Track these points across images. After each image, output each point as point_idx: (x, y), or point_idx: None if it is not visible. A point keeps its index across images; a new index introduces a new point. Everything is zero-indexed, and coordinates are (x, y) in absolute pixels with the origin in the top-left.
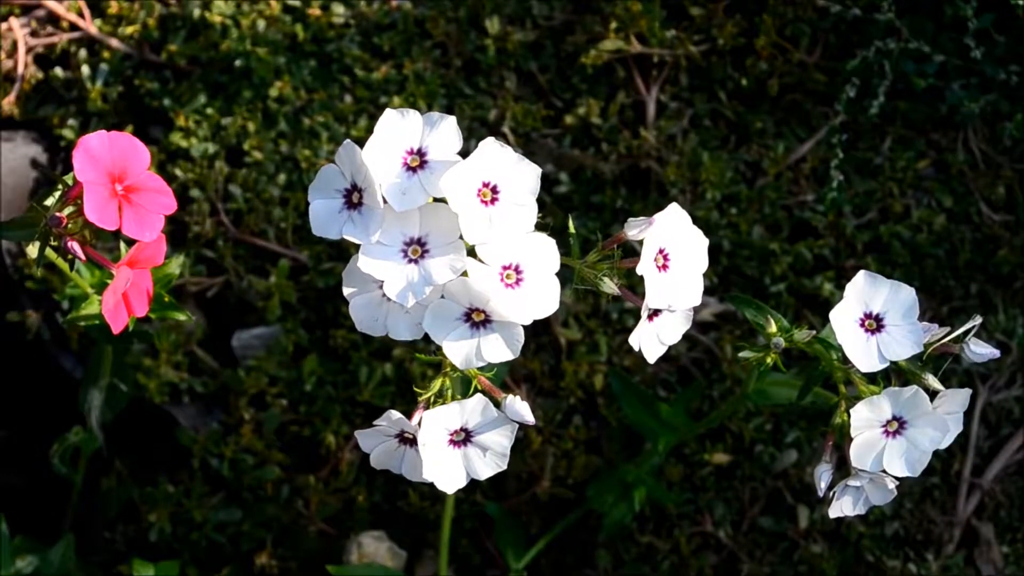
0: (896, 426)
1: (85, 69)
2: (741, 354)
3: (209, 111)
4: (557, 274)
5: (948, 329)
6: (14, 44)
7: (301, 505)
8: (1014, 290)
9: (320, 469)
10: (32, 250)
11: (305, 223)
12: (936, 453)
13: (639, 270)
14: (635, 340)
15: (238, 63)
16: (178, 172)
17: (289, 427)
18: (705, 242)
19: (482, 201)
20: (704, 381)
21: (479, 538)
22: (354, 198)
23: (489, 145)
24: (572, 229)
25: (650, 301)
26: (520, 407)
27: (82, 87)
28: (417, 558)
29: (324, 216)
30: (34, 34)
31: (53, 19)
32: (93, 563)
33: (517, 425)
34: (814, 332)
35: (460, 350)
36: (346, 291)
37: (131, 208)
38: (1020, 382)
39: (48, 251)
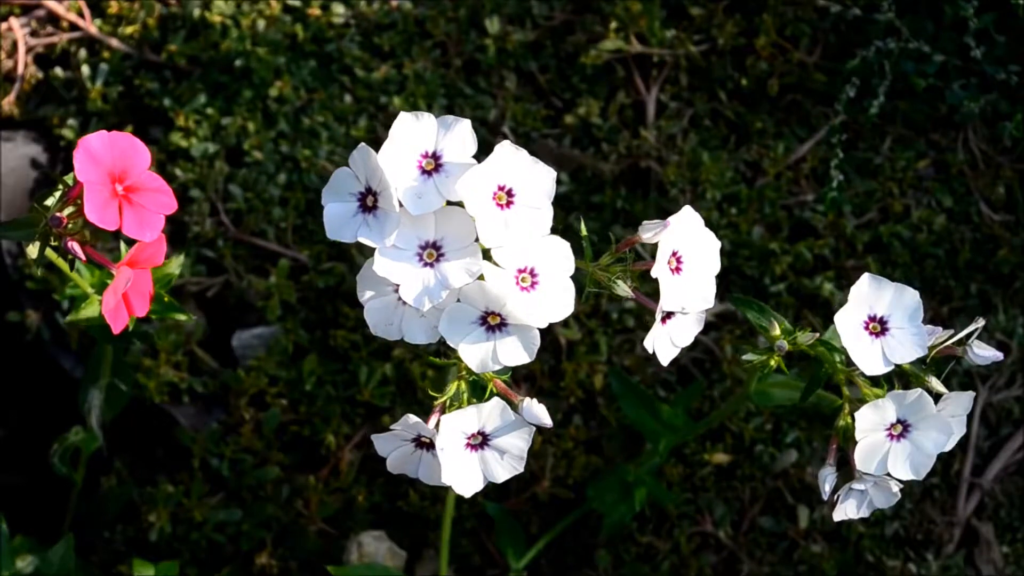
0: (900, 429)
1: (85, 69)
2: (744, 356)
3: (209, 111)
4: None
5: (951, 332)
6: (14, 44)
7: (301, 505)
8: (1014, 290)
9: (320, 469)
10: (32, 250)
11: (305, 223)
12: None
13: (653, 273)
14: (649, 342)
15: (238, 63)
16: (178, 172)
17: (289, 427)
18: (717, 244)
19: (498, 204)
20: (704, 381)
21: (479, 538)
22: (369, 201)
23: (504, 148)
24: (584, 232)
25: (664, 303)
26: (537, 410)
27: (82, 87)
28: (417, 558)
29: (338, 220)
30: (34, 34)
31: (53, 19)
32: (93, 563)
33: (534, 428)
34: (817, 335)
35: (476, 353)
36: (362, 296)
37: (131, 208)
38: (1020, 382)
39: (48, 251)
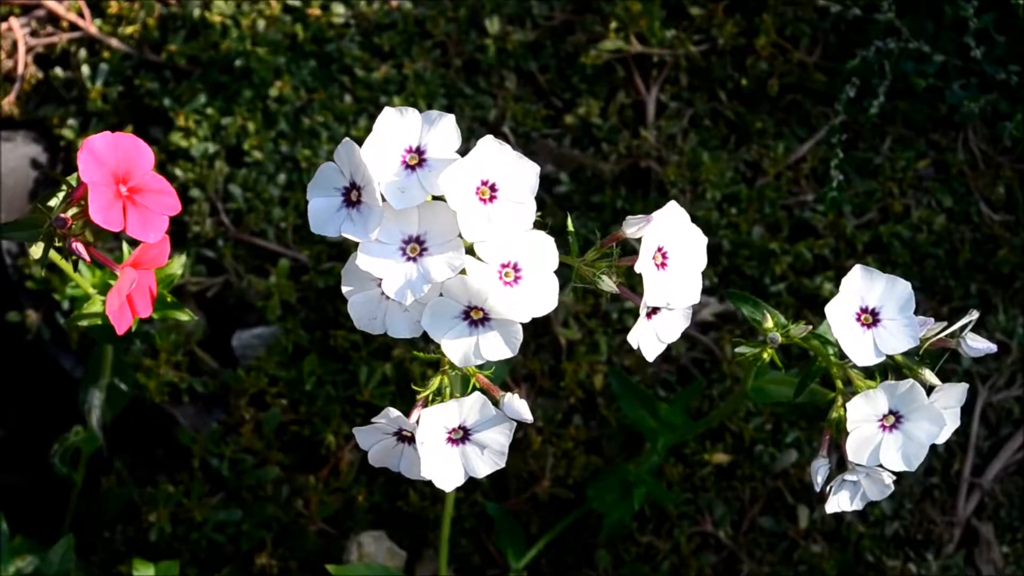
0: (892, 420)
1: (85, 69)
2: (738, 349)
3: (209, 111)
4: (557, 273)
5: (944, 324)
6: (14, 44)
7: (301, 505)
8: (1014, 290)
9: (320, 469)
10: (36, 251)
11: (305, 223)
12: (936, 452)
13: (637, 268)
14: (634, 338)
15: (238, 63)
16: (178, 172)
17: (289, 427)
18: (704, 240)
19: (481, 199)
20: (704, 381)
21: (479, 538)
22: (353, 196)
23: (487, 143)
24: (571, 227)
25: (648, 299)
26: (518, 405)
27: (82, 87)
28: (417, 558)
29: (323, 214)
30: (34, 34)
31: (53, 19)
32: (93, 563)
33: (515, 423)
34: (810, 327)
35: (459, 348)
36: (345, 289)
37: (135, 209)
38: (1020, 382)
39: (50, 251)
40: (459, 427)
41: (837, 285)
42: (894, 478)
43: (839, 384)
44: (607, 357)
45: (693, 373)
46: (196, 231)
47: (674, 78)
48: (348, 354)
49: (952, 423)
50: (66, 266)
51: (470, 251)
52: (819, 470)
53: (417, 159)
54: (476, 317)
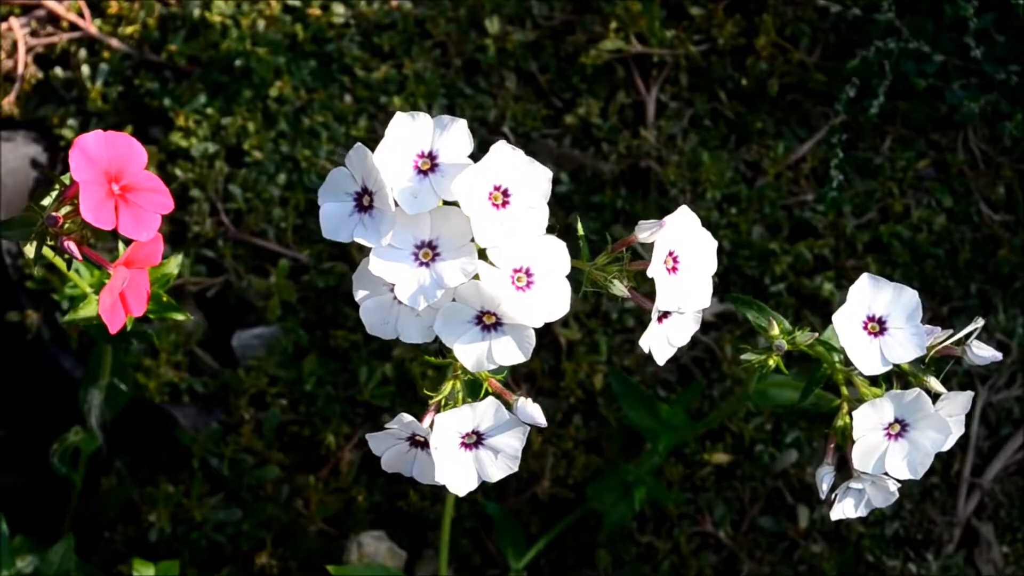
0: (898, 428)
1: (85, 69)
2: (743, 356)
3: (209, 111)
4: (567, 276)
5: (951, 332)
6: (14, 44)
7: (301, 505)
8: (1014, 290)
9: (320, 469)
10: (29, 250)
11: (305, 223)
12: (936, 454)
13: (649, 273)
14: (645, 342)
15: (238, 63)
16: (178, 172)
17: (289, 427)
18: (714, 244)
19: (493, 204)
20: (704, 381)
21: (479, 538)
22: (365, 201)
23: (500, 148)
24: (581, 232)
25: (660, 303)
26: (532, 409)
27: (82, 87)
28: (417, 558)
29: (335, 219)
30: (34, 34)
31: (53, 19)
32: (93, 563)
33: (528, 427)
34: (816, 335)
35: (471, 353)
36: (358, 295)
37: (128, 207)
38: (1020, 382)
39: (47, 251)
40: (472, 432)
41: (837, 285)
42: (899, 485)
43: (844, 391)
44: (607, 357)
45: (693, 373)
46: (196, 231)
47: (674, 78)
48: (348, 354)
49: (957, 430)
50: (62, 265)
51: (482, 256)
52: (824, 477)
53: (429, 164)
54: (489, 322)
